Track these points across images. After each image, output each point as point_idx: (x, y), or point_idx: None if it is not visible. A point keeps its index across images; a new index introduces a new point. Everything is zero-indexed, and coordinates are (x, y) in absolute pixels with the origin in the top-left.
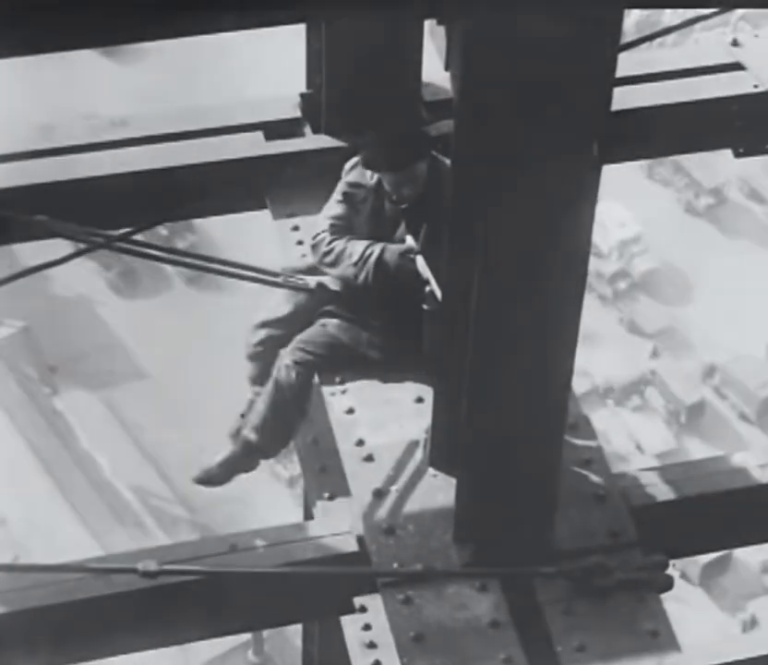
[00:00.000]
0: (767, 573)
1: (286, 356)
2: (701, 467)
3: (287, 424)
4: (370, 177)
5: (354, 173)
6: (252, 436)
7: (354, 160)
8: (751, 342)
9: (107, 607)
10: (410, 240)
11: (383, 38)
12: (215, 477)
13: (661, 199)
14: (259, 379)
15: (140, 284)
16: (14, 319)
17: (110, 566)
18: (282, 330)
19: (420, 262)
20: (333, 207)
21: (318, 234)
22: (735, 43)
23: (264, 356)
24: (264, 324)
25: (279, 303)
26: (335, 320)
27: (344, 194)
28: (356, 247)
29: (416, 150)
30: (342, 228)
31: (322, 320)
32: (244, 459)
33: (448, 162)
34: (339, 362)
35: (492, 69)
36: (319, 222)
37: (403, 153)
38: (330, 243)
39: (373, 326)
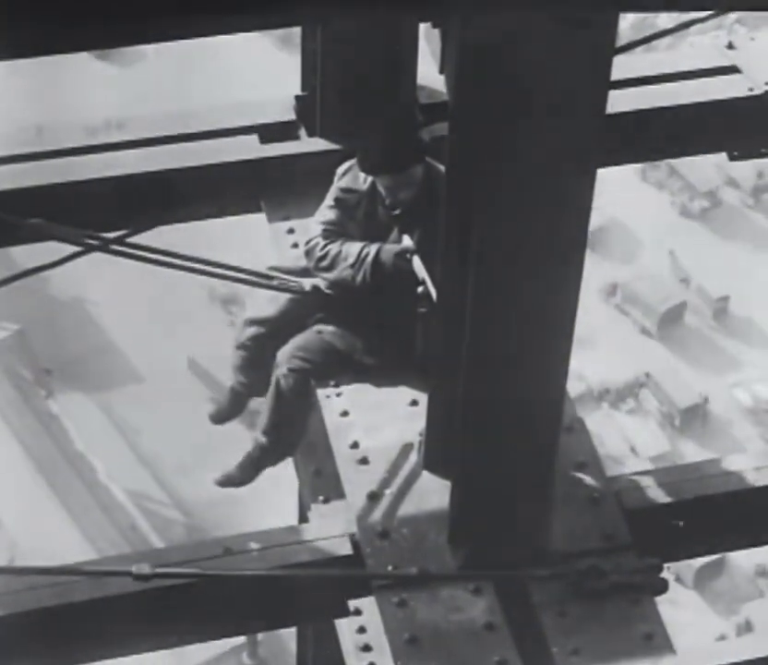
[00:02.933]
0: (761, 576)
1: (283, 364)
2: (695, 470)
3: (293, 427)
4: (363, 182)
5: (346, 177)
6: (262, 439)
7: (347, 165)
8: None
9: (101, 610)
10: (407, 240)
11: (378, 41)
12: (236, 479)
13: (655, 202)
14: (244, 370)
15: None
16: (9, 321)
17: (104, 569)
18: (270, 328)
19: (417, 262)
20: (326, 212)
21: (312, 239)
22: (730, 46)
23: (252, 351)
24: (252, 322)
25: (266, 301)
26: (330, 327)
27: (337, 199)
28: (352, 249)
29: (413, 153)
30: (334, 233)
31: (317, 327)
32: (261, 459)
33: (441, 167)
34: (335, 368)
35: (487, 72)
36: (312, 227)
37: (400, 156)
38: (324, 247)
39: (368, 332)
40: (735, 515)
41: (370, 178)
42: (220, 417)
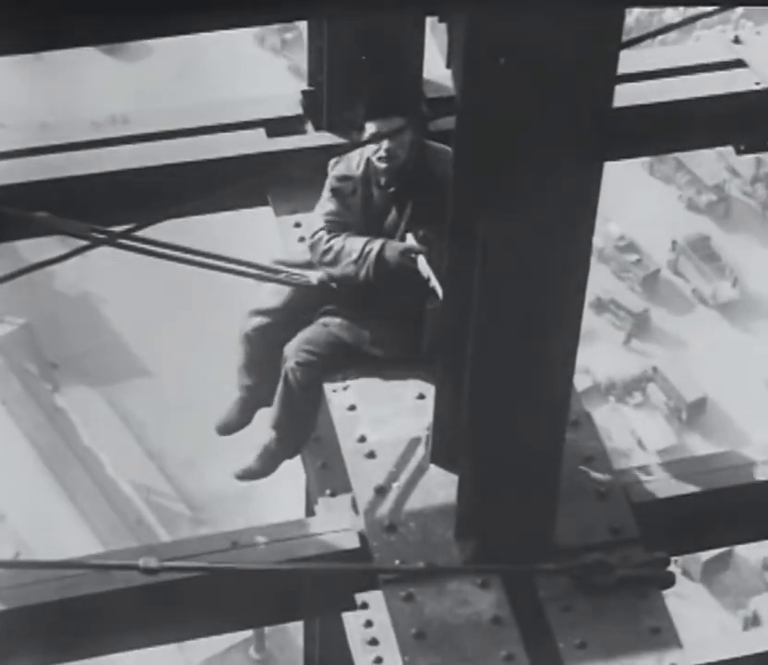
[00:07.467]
0: None
1: (291, 358)
2: (702, 464)
3: (302, 420)
4: (356, 167)
5: (339, 166)
6: (273, 433)
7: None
8: None
9: (108, 604)
10: (410, 239)
11: (385, 35)
12: (256, 471)
13: (663, 196)
14: (248, 367)
15: None
16: (15, 316)
17: (111, 563)
18: (275, 318)
19: (421, 262)
20: (325, 204)
21: (316, 232)
22: (736, 41)
23: (256, 344)
24: (258, 312)
25: (271, 293)
26: (337, 320)
27: (333, 189)
28: (355, 245)
29: (409, 107)
30: (337, 224)
31: (324, 320)
32: (277, 451)
33: (436, 145)
34: (342, 361)
35: (493, 67)
36: (314, 220)
37: (396, 103)
38: (328, 241)
39: (375, 324)
40: (742, 509)
41: (363, 163)
42: (227, 429)
